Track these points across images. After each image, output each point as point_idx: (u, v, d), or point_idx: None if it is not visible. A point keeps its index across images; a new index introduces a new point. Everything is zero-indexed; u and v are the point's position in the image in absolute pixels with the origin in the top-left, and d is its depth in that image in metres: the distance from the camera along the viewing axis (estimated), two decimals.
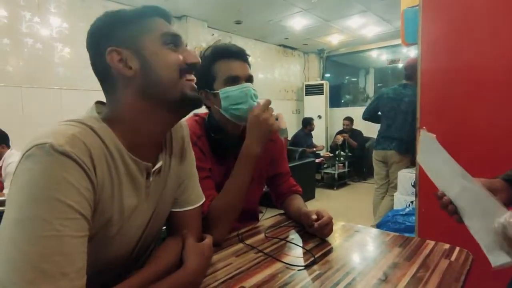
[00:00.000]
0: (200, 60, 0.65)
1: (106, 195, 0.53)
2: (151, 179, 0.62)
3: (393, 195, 2.62)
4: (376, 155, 2.90)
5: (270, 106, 0.90)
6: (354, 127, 5.16)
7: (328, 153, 5.12)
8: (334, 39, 5.38)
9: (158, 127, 0.62)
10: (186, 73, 0.61)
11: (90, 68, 0.61)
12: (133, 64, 0.57)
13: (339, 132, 5.24)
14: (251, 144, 0.88)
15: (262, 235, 0.92)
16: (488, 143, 1.36)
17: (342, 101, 6.79)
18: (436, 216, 1.53)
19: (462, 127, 1.39)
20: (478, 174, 0.71)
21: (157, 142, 0.64)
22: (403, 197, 2.44)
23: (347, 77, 7.26)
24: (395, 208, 2.45)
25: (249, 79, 0.94)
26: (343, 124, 5.20)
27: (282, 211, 1.13)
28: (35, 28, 2.96)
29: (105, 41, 0.57)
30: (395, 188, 2.64)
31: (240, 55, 0.94)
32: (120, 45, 0.57)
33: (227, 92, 0.91)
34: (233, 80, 0.91)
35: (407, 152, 2.66)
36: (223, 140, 0.95)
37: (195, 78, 0.63)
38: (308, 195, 4.01)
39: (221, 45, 0.96)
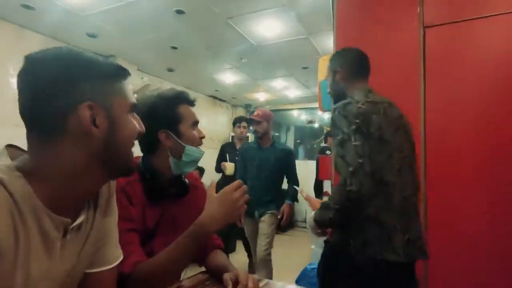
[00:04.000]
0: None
1: (7, 261, 0.44)
2: (68, 236, 0.54)
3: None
4: None
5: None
6: None
7: None
8: (261, 97, 5.82)
9: (94, 186, 0.59)
10: (136, 139, 0.62)
11: None
12: (101, 124, 0.53)
13: None
14: (210, 223, 0.80)
15: None
16: None
17: None
18: None
19: None
20: None
21: (85, 198, 0.59)
22: (319, 250, 2.56)
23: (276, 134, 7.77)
24: (312, 261, 2.54)
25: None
26: None
27: (203, 269, 1.07)
28: None
29: (78, 90, 0.51)
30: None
31: (193, 103, 1.02)
32: (93, 101, 0.52)
33: (191, 151, 0.95)
34: (195, 124, 0.99)
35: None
36: (158, 182, 0.92)
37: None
38: (229, 249, 3.89)
39: (180, 91, 1.00)
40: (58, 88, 0.51)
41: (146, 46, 3.54)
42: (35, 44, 3.19)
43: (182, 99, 0.98)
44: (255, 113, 2.51)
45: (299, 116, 7.06)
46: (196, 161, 0.98)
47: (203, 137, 1.01)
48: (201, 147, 1.01)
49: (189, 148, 0.95)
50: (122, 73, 0.60)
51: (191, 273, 1.07)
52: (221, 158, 3.34)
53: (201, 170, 3.93)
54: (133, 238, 0.83)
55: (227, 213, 0.81)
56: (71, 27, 3.10)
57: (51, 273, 0.52)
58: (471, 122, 1.50)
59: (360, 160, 1.00)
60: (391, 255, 1.01)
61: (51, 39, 3.32)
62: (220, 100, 6.13)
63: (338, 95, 1.27)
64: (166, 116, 0.94)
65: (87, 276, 0.63)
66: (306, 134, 7.15)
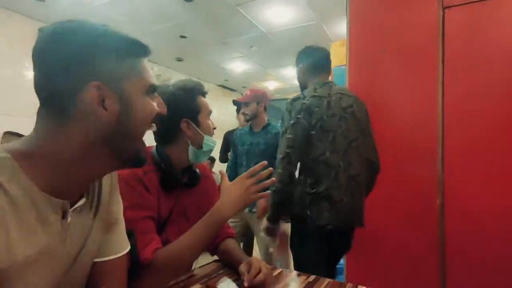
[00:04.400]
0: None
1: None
2: (68, 219, 0.52)
3: None
4: None
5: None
6: None
7: None
8: (271, 85, 5.76)
9: (97, 173, 0.55)
10: (152, 123, 0.57)
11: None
12: (110, 107, 0.49)
13: None
14: (224, 209, 0.84)
15: (198, 286, 0.84)
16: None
17: None
18: (364, 258, 1.63)
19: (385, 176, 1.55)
20: None
21: (80, 187, 0.55)
22: None
23: (279, 121, 7.70)
24: None
25: None
26: None
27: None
28: None
29: (88, 69, 0.48)
30: None
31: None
32: (104, 81, 0.48)
33: (208, 140, 0.98)
34: (210, 114, 1.01)
35: None
36: (173, 172, 0.94)
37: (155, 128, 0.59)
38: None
39: (198, 82, 1.01)
40: (67, 64, 0.48)
41: (156, 36, 3.52)
42: None
43: (200, 90, 1.00)
44: (244, 94, 2.29)
45: None
46: (211, 150, 1.01)
47: (215, 127, 1.03)
48: (217, 138, 1.06)
49: (207, 138, 0.98)
50: (141, 50, 0.54)
51: (203, 261, 1.07)
52: (225, 147, 3.16)
53: (213, 160, 3.94)
54: (151, 226, 0.84)
55: (241, 199, 0.86)
56: (79, 16, 3.10)
57: (51, 250, 0.50)
58: (494, 109, 1.43)
59: (288, 151, 1.27)
60: (337, 223, 1.27)
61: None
62: (230, 89, 6.10)
63: (302, 88, 1.51)
64: (188, 106, 0.96)
65: (96, 265, 0.62)
66: None
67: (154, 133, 0.97)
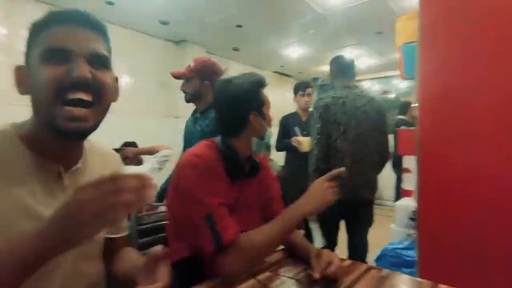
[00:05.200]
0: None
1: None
2: (65, 182, 0.62)
3: None
4: None
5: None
6: None
7: None
8: (328, 69, 5.53)
9: (51, 138, 0.59)
10: (69, 91, 0.53)
11: None
12: (24, 83, 0.57)
13: None
14: (306, 204, 0.89)
15: (268, 273, 0.87)
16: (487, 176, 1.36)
17: None
18: (439, 253, 1.50)
19: (462, 166, 1.39)
20: None
21: (67, 152, 0.63)
22: (400, 229, 2.40)
23: None
24: (392, 240, 2.40)
25: None
26: None
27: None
28: None
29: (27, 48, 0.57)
30: None
31: None
32: (25, 59, 0.57)
33: (269, 132, 1.03)
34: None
35: None
36: (239, 161, 0.98)
37: (81, 96, 0.55)
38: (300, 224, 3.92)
39: (260, 75, 1.04)
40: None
41: (213, 27, 3.61)
42: (118, 36, 3.51)
43: (263, 83, 1.03)
44: (187, 66, 1.75)
45: (371, 87, 6.54)
46: (269, 141, 1.06)
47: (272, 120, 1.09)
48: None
49: (269, 130, 1.03)
50: (57, 17, 0.57)
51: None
52: (284, 134, 2.72)
53: (268, 148, 3.97)
54: (226, 212, 0.88)
55: (320, 198, 0.89)
56: (145, 16, 3.32)
57: (54, 202, 0.58)
58: None
59: (318, 136, 1.75)
60: (340, 195, 1.49)
61: (129, 30, 3.61)
62: (286, 75, 6.02)
63: (332, 87, 1.91)
64: (256, 99, 1.00)
65: (109, 240, 0.74)
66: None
67: (221, 125, 1.04)
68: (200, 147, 0.98)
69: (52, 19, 0.56)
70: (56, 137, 0.57)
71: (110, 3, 2.99)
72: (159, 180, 2.16)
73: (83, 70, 0.54)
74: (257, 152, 1.05)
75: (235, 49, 4.44)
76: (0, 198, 0.53)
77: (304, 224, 2.63)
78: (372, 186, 1.83)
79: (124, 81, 3.62)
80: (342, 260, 0.94)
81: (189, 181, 0.88)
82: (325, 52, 4.59)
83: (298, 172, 2.41)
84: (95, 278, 0.70)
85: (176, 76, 1.77)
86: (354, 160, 1.72)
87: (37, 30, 0.56)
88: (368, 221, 1.86)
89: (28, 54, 0.57)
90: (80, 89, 0.54)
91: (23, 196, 0.55)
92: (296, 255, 1.00)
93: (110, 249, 0.75)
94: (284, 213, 0.88)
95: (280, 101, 5.93)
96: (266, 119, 1.01)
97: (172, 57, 4.10)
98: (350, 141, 1.72)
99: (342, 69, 1.90)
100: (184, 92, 1.77)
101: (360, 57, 4.85)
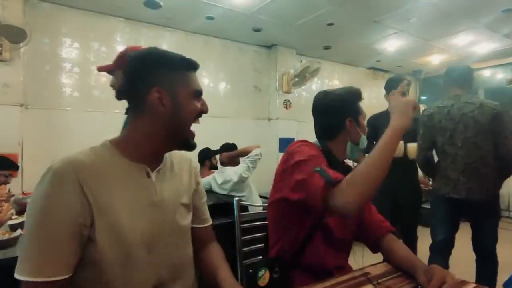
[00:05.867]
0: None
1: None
2: (153, 178, 0.77)
3: None
4: None
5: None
6: None
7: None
8: (435, 59, 4.87)
9: (160, 150, 0.80)
10: (198, 117, 0.79)
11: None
12: (167, 104, 0.74)
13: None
14: (399, 118, 0.90)
15: (371, 286, 0.81)
16: None
17: None
18: None
19: None
20: None
21: (156, 157, 0.80)
22: None
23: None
24: None
25: None
26: None
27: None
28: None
29: (150, 78, 0.74)
30: None
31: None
32: (162, 86, 0.73)
33: (364, 139, 1.12)
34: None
35: None
36: (333, 163, 1.02)
37: (200, 122, 0.81)
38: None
39: (358, 89, 1.14)
40: (140, 75, 0.74)
41: (303, 29, 3.60)
42: (217, 47, 3.85)
43: (360, 96, 1.13)
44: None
45: (492, 75, 5.50)
46: (364, 148, 1.14)
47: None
48: None
49: (363, 137, 1.11)
50: (189, 65, 0.78)
51: (368, 260, 1.03)
52: (373, 136, 2.44)
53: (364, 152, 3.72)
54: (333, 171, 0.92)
55: (405, 112, 0.90)
56: (240, 26, 3.54)
57: (149, 197, 0.76)
58: None
59: (420, 141, 2.04)
60: (455, 195, 1.87)
61: (226, 40, 3.90)
62: (382, 70, 5.56)
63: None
64: (352, 107, 1.11)
65: (193, 229, 0.89)
66: (504, 97, 5.51)
67: (319, 128, 1.15)
68: (310, 144, 1.08)
69: (191, 67, 0.80)
70: (180, 149, 0.82)
71: (211, 18, 3.29)
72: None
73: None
74: (351, 156, 1.13)
75: (327, 48, 4.33)
76: (104, 195, 0.68)
77: (407, 232, 2.39)
78: (490, 188, 1.85)
79: (223, 87, 3.94)
80: (462, 282, 0.82)
81: (302, 152, 0.98)
82: (430, 41, 4.07)
83: (388, 181, 2.17)
84: (186, 266, 0.83)
85: (101, 70, 1.77)
86: (468, 162, 1.84)
87: (177, 71, 0.78)
88: (490, 225, 1.89)
89: (173, 85, 0.76)
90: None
91: (120, 192, 0.71)
92: (401, 269, 0.91)
93: (196, 237, 0.90)
94: (388, 132, 0.88)
95: (375, 98, 5.52)
96: (360, 127, 1.10)
97: (264, 62, 4.26)
98: (458, 145, 1.87)
99: (451, 79, 2.01)
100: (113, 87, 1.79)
101: (478, 43, 4.12)
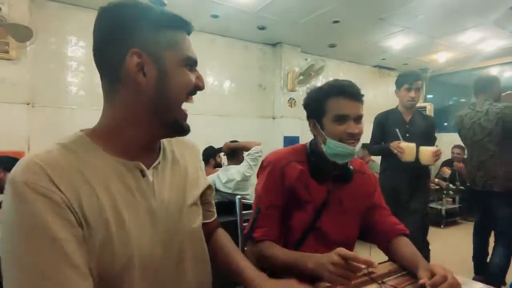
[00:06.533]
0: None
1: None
2: (150, 177, 0.61)
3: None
4: None
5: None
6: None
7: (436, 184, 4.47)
8: (441, 57, 4.81)
9: (149, 138, 0.61)
10: (191, 94, 0.60)
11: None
12: (149, 72, 0.55)
13: (446, 163, 4.54)
14: (311, 263, 0.83)
15: (375, 286, 0.81)
16: None
17: (446, 124, 5.94)
18: None
19: None
20: None
21: (149, 148, 0.63)
22: None
23: (454, 98, 6.35)
24: None
25: (358, 118, 0.96)
26: (453, 153, 4.50)
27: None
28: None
29: (126, 38, 0.54)
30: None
31: (353, 94, 0.96)
32: (143, 49, 0.54)
33: (331, 143, 0.96)
34: (341, 118, 0.95)
35: None
36: (321, 164, 1.01)
37: (194, 101, 0.61)
38: None
39: (338, 82, 0.98)
40: (113, 36, 0.54)
41: (308, 26, 3.58)
42: (222, 45, 3.84)
43: (333, 92, 0.97)
44: None
45: (501, 73, 5.41)
46: (340, 155, 0.97)
47: (354, 134, 0.95)
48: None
49: (330, 141, 0.96)
50: (179, 23, 0.58)
51: (373, 260, 1.02)
52: (381, 135, 2.28)
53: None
54: (273, 213, 0.99)
55: (320, 266, 0.81)
56: (245, 24, 3.53)
57: (146, 202, 0.59)
58: None
59: (460, 138, 2.56)
60: (475, 186, 2.36)
61: (230, 38, 3.89)
62: (388, 68, 5.51)
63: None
64: (314, 108, 1.01)
65: (205, 224, 0.77)
66: None
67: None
68: (289, 148, 1.08)
69: (182, 26, 0.61)
70: (171, 135, 0.65)
71: (215, 17, 3.29)
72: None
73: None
74: (332, 159, 1.00)
75: (332, 46, 4.30)
76: (90, 201, 0.51)
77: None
78: (500, 181, 2.20)
79: (227, 86, 3.94)
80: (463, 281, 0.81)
81: (260, 181, 1.04)
82: (437, 38, 4.02)
83: (396, 184, 2.15)
84: (200, 260, 0.73)
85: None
86: (482, 161, 2.29)
87: (164, 30, 0.59)
88: (502, 214, 2.23)
89: (159, 48, 0.57)
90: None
91: (108, 198, 0.53)
92: (405, 267, 0.91)
93: (206, 231, 0.79)
94: (303, 256, 0.87)
95: (381, 97, 5.47)
96: (326, 130, 0.98)
97: (269, 60, 4.25)
98: (468, 147, 2.49)
99: (479, 86, 2.40)
100: None
101: (485, 40, 4.06)
